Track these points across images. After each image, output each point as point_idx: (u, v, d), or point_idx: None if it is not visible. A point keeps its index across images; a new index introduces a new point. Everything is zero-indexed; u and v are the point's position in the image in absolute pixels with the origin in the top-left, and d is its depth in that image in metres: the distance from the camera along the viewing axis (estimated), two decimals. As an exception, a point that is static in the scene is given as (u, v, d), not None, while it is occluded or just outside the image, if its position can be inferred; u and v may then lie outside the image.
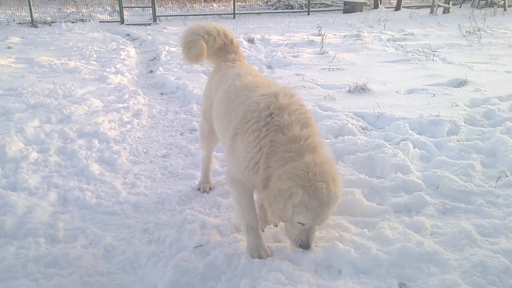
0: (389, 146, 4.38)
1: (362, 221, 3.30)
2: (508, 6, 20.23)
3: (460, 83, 6.68)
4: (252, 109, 2.84)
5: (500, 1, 20.12)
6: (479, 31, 12.56)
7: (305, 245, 2.78)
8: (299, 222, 2.71)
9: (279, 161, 2.67)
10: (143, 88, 7.96)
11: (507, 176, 3.71)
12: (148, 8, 21.43)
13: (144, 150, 4.98)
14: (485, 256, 2.71)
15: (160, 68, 9.33)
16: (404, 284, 2.64)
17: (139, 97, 7.02)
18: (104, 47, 12.36)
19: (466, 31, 12.63)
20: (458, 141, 4.46)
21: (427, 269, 2.69)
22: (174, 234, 3.24)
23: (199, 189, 3.97)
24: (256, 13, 23.46)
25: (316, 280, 2.68)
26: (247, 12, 23.94)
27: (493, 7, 19.87)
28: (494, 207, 3.31)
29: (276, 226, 3.30)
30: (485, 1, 21.85)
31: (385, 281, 2.65)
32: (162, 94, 7.68)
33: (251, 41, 12.35)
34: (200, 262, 2.88)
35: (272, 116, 2.77)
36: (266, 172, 2.73)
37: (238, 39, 13.06)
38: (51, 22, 18.69)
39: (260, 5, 25.78)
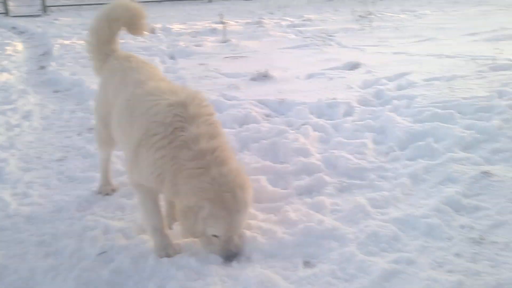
0: (291, 131, 4.54)
1: (268, 207, 3.39)
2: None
3: (354, 66, 7.11)
4: (158, 120, 2.71)
5: (386, -13, 21.66)
6: (370, 15, 13.43)
7: (233, 255, 2.75)
8: (214, 235, 2.69)
9: (185, 178, 2.62)
10: (33, 86, 7.32)
11: (394, 151, 4.04)
12: (36, -2, 19.69)
13: (37, 155, 4.60)
14: (377, 226, 2.95)
15: (52, 63, 8.66)
16: (308, 262, 2.78)
17: (29, 96, 6.47)
18: (-15, 43, 11.14)
19: (359, 16, 13.42)
20: (353, 121, 4.76)
21: (328, 245, 2.86)
22: (74, 243, 3.04)
23: (100, 193, 3.77)
24: (155, 1, 22.73)
25: (226, 270, 2.71)
26: (146, 0, 23.07)
27: (381, -9, 21.34)
28: (384, 180, 3.60)
29: None
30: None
31: (291, 261, 2.77)
32: (56, 91, 7.14)
33: (151, 31, 11.93)
34: (104, 269, 2.74)
35: (175, 132, 2.66)
36: (174, 188, 2.68)
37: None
38: None
39: (160, -7, 24.98)
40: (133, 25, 3.65)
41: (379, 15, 13.74)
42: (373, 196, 3.32)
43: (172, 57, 8.72)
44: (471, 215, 3.02)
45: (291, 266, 2.74)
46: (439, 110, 4.56)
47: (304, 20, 13.62)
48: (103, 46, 3.58)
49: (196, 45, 9.63)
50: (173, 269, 2.69)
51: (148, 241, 3.02)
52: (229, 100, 5.64)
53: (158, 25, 12.80)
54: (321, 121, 4.79)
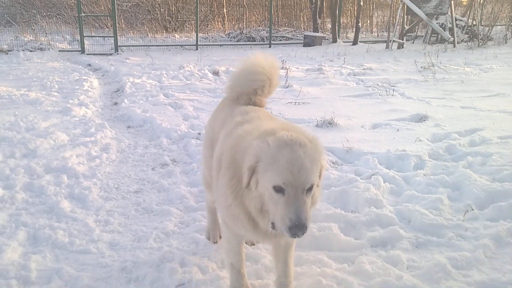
0: (361, 180, 4.52)
1: (341, 256, 3.37)
2: (458, 43, 21.66)
3: (421, 118, 7.03)
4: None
5: (450, 38, 21.54)
6: (433, 66, 13.32)
7: (295, 224, 2.13)
8: (275, 188, 2.20)
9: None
10: (108, 121, 7.81)
11: (473, 210, 3.91)
12: (109, 38, 21.30)
13: (116, 186, 4.87)
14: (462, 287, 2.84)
15: (125, 100, 9.22)
16: (387, 319, 2.71)
17: (106, 130, 6.89)
18: (65, 77, 12.11)
19: (421, 67, 13.36)
20: (425, 175, 4.68)
21: (408, 303, 2.78)
22: (154, 272, 3.18)
23: (209, 239, 3.65)
24: (218, 44, 23.82)
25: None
26: (210, 43, 24.27)
27: (443, 43, 21.22)
28: (464, 240, 3.47)
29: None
30: (435, 38, 23.31)
31: (369, 317, 2.71)
32: (129, 127, 7.58)
33: (216, 73, 12.50)
34: (183, 302, 2.83)
35: None
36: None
37: (203, 71, 13.13)
38: (8, 51, 18.12)
39: (222, 37, 26.23)
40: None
41: (443, 67, 13.59)
42: (453, 256, 3.21)
43: (236, 100, 9.03)
44: None
45: (369, 321, 2.69)
46: (519, 170, 4.40)
47: (364, 69, 13.73)
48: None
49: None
50: (251, 309, 2.71)
51: (224, 278, 3.08)
52: (297, 145, 5.71)
53: (222, 68, 13.37)
54: (391, 173, 4.74)
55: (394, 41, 21.73)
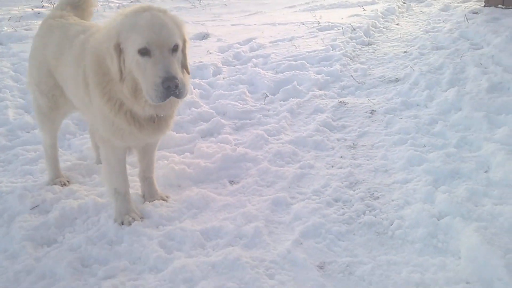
0: (174, 90, 4.89)
1: (180, 149, 3.78)
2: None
3: (204, 36, 7.66)
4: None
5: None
6: (197, -6, 14.09)
7: (166, 77, 2.19)
8: (140, 52, 2.23)
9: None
10: None
11: (268, 96, 4.81)
12: None
13: None
14: (278, 147, 3.66)
15: None
16: (233, 181, 3.31)
17: None
18: None
19: (187, -5, 13.93)
20: (224, 78, 5.36)
21: (245, 166, 3.44)
22: (-4, 207, 2.94)
23: (54, 185, 3.17)
24: None
25: (167, 193, 3.11)
26: None
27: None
28: (269, 118, 4.34)
29: None
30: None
31: (219, 183, 3.28)
32: None
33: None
34: (46, 217, 2.79)
35: None
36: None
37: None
38: None
39: None
40: None
41: (205, -7, 14.50)
42: (266, 128, 4.02)
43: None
44: (342, 131, 4.03)
45: (220, 186, 3.25)
46: (293, 62, 5.52)
47: (131, 2, 13.48)
48: None
49: (26, 29, 8.81)
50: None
51: (77, 191, 3.11)
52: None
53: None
54: (197, 81, 5.24)
55: (152, -28, 21.50)
